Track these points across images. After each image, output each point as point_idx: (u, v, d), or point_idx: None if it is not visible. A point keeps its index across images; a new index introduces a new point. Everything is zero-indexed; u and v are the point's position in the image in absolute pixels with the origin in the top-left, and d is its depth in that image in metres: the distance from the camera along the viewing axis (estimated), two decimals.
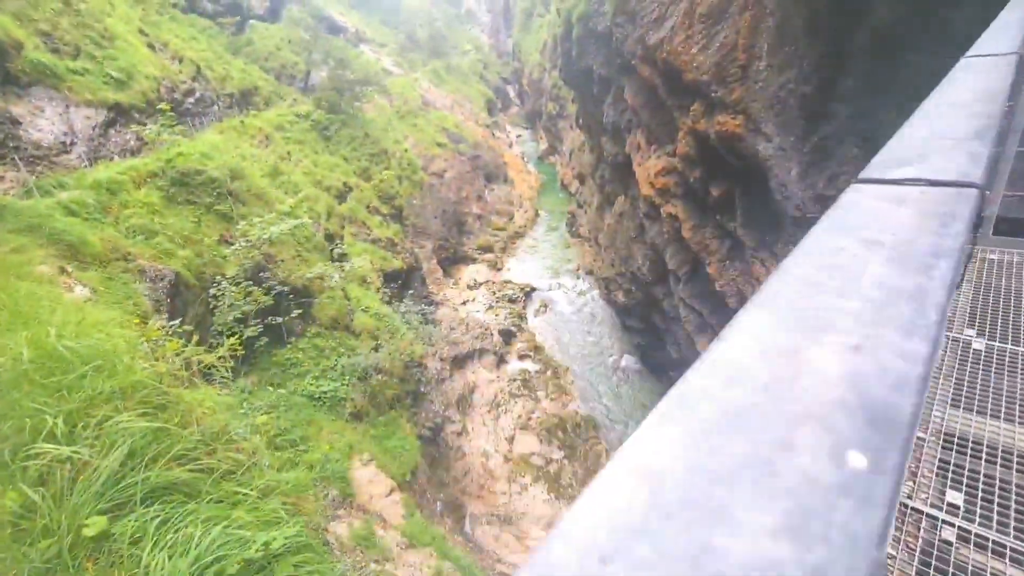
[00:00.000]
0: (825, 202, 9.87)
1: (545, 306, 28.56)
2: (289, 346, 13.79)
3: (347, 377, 13.60)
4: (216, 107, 25.07)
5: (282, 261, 14.13)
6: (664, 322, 20.65)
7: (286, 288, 13.77)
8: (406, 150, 32.77)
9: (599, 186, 28.16)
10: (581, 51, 21.41)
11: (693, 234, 15.51)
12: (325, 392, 12.90)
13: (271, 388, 12.30)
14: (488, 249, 33.87)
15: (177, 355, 5.33)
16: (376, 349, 15.19)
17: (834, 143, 9.45)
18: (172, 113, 17.10)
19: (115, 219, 11.48)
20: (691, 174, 14.52)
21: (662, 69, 13.91)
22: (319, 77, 32.83)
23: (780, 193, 10.64)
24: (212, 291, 11.74)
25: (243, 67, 29.04)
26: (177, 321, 8.43)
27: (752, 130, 10.85)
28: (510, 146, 53.65)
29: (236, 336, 9.82)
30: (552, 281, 30.57)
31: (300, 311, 13.91)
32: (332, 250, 17.76)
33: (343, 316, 15.36)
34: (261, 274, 13.35)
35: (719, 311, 15.50)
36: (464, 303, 28.47)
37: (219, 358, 6.52)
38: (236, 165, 15.29)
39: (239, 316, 11.94)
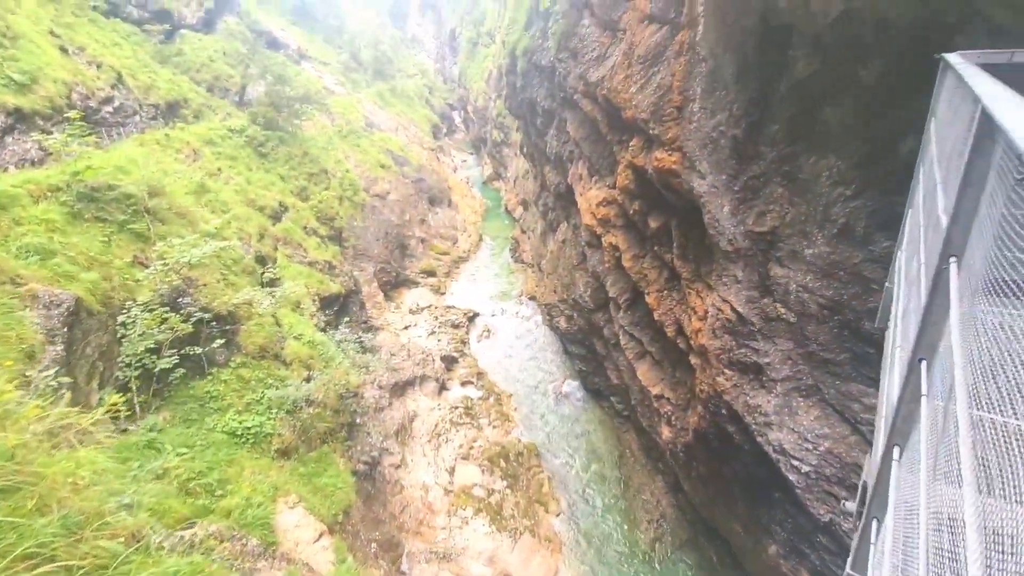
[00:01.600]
0: (755, 238, 10.40)
1: (488, 331, 28.32)
2: (210, 378, 12.68)
3: (275, 410, 12.66)
4: (138, 118, 23.37)
5: (205, 285, 13.09)
6: (605, 348, 20.95)
7: (208, 315, 12.72)
8: (347, 170, 31.95)
9: (542, 213, 28.59)
10: (525, 83, 21.88)
11: (633, 263, 15.92)
12: (249, 428, 11.91)
13: (187, 424, 11.20)
14: (431, 273, 33.36)
15: (40, 420, 4.26)
16: (308, 379, 14.30)
17: (761, 183, 10.01)
18: (84, 122, 15.68)
19: (3, 237, 10.20)
20: (631, 206, 14.97)
21: (603, 105, 14.38)
22: (256, 92, 31.54)
23: (713, 228, 11.11)
24: (121, 318, 10.61)
25: (171, 77, 27.39)
26: (52, 371, 7.25)
27: (687, 167, 11.34)
28: (455, 170, 53.76)
29: (140, 373, 8.86)
30: (496, 306, 30.45)
31: (224, 339, 12.88)
32: (263, 273, 16.73)
33: (272, 344, 14.40)
34: (180, 299, 12.27)
35: (658, 339, 15.89)
36: (406, 328, 27.70)
37: (96, 421, 5.65)
38: (156, 181, 14.17)
39: (152, 346, 10.85)
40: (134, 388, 10.67)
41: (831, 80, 8.51)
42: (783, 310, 10.16)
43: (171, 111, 25.63)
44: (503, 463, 19.63)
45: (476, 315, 29.43)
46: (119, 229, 12.68)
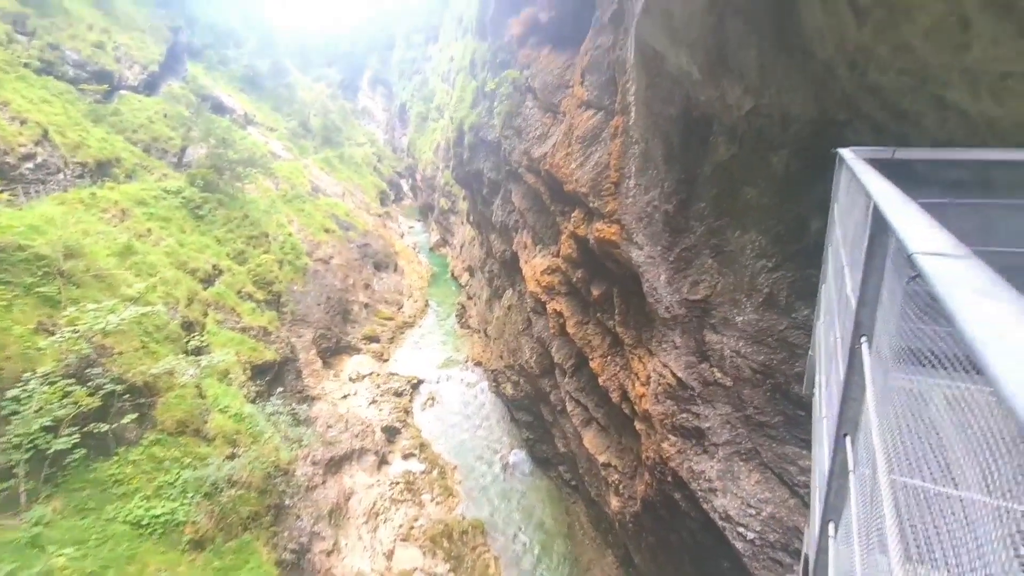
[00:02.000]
0: (690, 306, 10.92)
1: (433, 399, 27.41)
2: (116, 458, 11.35)
3: (190, 494, 11.38)
4: (63, 175, 22.14)
5: (120, 354, 12.01)
6: (552, 415, 20.71)
7: (122, 386, 11.58)
8: (290, 234, 31.31)
9: (488, 280, 28.92)
10: (472, 156, 22.80)
11: (577, 329, 16.19)
12: (158, 516, 10.58)
13: (82, 515, 9.81)
14: (374, 339, 32.39)
15: None
16: (232, 457, 13.09)
17: (693, 254, 10.67)
18: None
19: None
20: (574, 274, 15.45)
21: (546, 179, 15.14)
22: (196, 154, 30.94)
23: (652, 296, 11.60)
24: (12, 392, 9.43)
25: (104, 136, 26.45)
26: None
27: (626, 239, 11.96)
28: (402, 236, 53.97)
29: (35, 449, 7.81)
30: (441, 373, 29.73)
31: (137, 414, 11.69)
32: (188, 341, 15.61)
33: (193, 418, 13.19)
34: (89, 370, 11.14)
35: (604, 405, 15.93)
36: (345, 397, 26.33)
37: None
38: (74, 241, 13.24)
39: (49, 423, 9.64)
40: (21, 474, 9.32)
41: (748, 164, 9.43)
42: (720, 374, 10.53)
43: (101, 170, 24.51)
44: (446, 543, 18.38)
45: (420, 382, 28.54)
46: (25, 292, 11.58)
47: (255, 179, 31.87)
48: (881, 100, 7.23)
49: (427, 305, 39.38)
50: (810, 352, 4.91)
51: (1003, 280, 0.91)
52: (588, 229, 13.55)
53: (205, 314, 19.13)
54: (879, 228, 1.55)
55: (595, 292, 14.84)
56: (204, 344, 16.58)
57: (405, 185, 72.27)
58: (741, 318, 9.80)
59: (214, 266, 22.87)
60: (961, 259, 1.02)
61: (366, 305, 34.75)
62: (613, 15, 11.84)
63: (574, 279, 15.68)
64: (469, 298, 36.83)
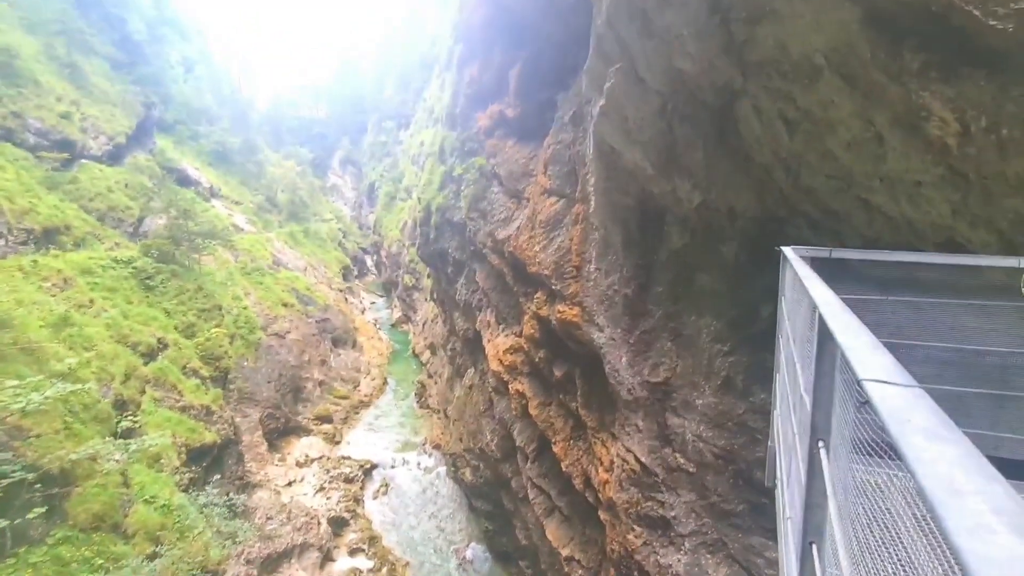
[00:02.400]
0: (651, 388, 10.98)
1: (387, 486, 25.67)
2: (13, 561, 9.87)
3: None
4: (3, 241, 21.11)
5: (37, 437, 10.86)
6: (513, 503, 19.65)
7: (33, 474, 10.36)
8: (245, 307, 30.30)
9: (450, 358, 28.44)
10: (438, 235, 23.28)
11: (539, 411, 15.88)
12: None
13: None
14: (327, 419, 30.68)
15: None
16: (153, 556, 11.63)
17: (653, 337, 10.91)
18: None
19: None
20: (537, 354, 15.42)
21: (509, 260, 15.51)
22: (155, 224, 30.32)
23: (614, 378, 11.64)
24: None
25: (56, 204, 25.70)
26: None
27: (587, 321, 12.18)
28: (363, 312, 53.15)
29: None
30: (396, 456, 28.12)
31: (46, 507, 10.38)
32: (119, 421, 14.35)
33: (113, 511, 11.80)
34: None
35: (567, 492, 15.30)
36: (289, 484, 24.33)
37: None
38: (2, 311, 12.35)
39: None
40: None
41: (700, 253, 9.99)
42: (683, 460, 10.40)
43: (47, 237, 23.55)
44: None
45: (373, 467, 26.83)
46: None
47: (214, 251, 31.25)
48: (815, 200, 7.93)
49: (386, 383, 38.05)
50: (769, 442, 4.97)
51: (947, 418, 0.97)
52: (551, 310, 13.76)
53: (142, 392, 17.79)
54: (825, 336, 1.64)
55: (557, 373, 14.77)
56: (137, 425, 15.25)
57: (370, 261, 72.42)
58: (701, 401, 9.88)
59: (159, 340, 21.64)
60: (908, 389, 1.08)
61: (321, 383, 33.24)
62: (573, 115, 12.88)
63: (537, 359, 15.63)
64: (430, 376, 35.91)
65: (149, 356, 20.45)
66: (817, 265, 3.00)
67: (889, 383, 1.10)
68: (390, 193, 62.38)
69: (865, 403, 1.11)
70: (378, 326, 50.49)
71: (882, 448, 1.28)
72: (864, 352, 1.28)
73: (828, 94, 6.50)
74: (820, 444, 1.66)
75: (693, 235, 9.99)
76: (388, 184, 64.14)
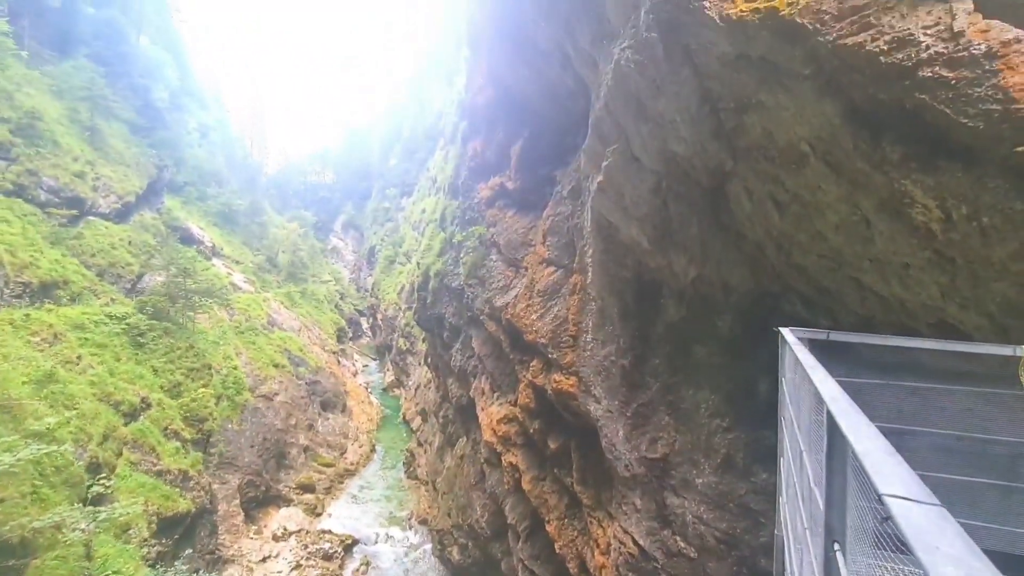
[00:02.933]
0: (649, 464, 10.62)
1: (367, 564, 24.03)
2: None
3: None
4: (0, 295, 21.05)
5: (0, 502, 10.27)
6: None
7: None
8: (235, 367, 29.78)
9: (442, 426, 27.65)
10: (435, 300, 23.40)
11: (533, 486, 15.23)
12: None
13: None
14: (309, 488, 29.25)
15: None
16: None
17: (650, 410, 10.70)
18: None
19: None
20: (531, 424, 15.03)
21: (506, 327, 15.51)
22: (153, 281, 30.44)
23: (611, 452, 11.28)
24: None
25: (58, 259, 25.91)
26: None
27: (584, 391, 11.99)
28: (355, 375, 52.24)
29: None
30: (380, 532, 26.54)
31: None
32: (91, 486, 13.64)
33: None
34: None
35: None
36: (264, 560, 22.76)
37: None
38: None
39: None
40: None
41: (697, 326, 10.04)
42: (683, 544, 9.87)
43: (44, 291, 23.52)
44: None
45: (355, 543, 25.25)
46: None
47: (210, 309, 31.19)
48: (807, 278, 8.09)
49: (373, 450, 36.69)
50: (776, 530, 4.75)
51: (973, 545, 0.96)
52: (547, 379, 13.58)
53: (119, 454, 17.05)
54: (836, 435, 1.63)
55: (552, 445, 14.33)
56: (109, 490, 14.48)
57: (365, 323, 72.16)
58: (701, 480, 9.54)
59: (143, 399, 21.05)
60: (931, 508, 1.07)
61: (306, 448, 32.01)
62: (572, 190, 13.41)
63: (531, 430, 15.21)
64: (420, 445, 34.68)
65: (131, 416, 19.80)
66: (815, 347, 3.02)
67: (912, 500, 1.08)
68: (390, 257, 63.34)
69: (887, 519, 1.09)
70: (369, 390, 49.47)
71: (903, 546, 1.24)
72: (881, 461, 1.27)
73: (815, 179, 6.82)
74: (836, 547, 1.59)
75: (689, 308, 10.09)
76: (388, 248, 65.28)
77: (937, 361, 2.97)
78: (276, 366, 34.26)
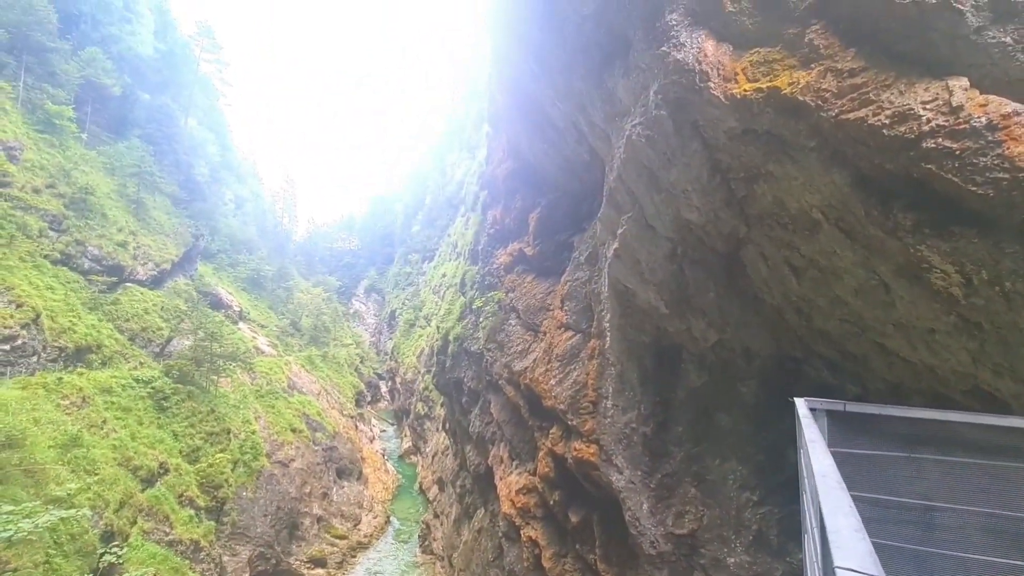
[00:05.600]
0: (675, 541, 10.02)
1: None
2: None
3: None
4: (36, 358, 21.81)
5: (14, 571, 10.13)
6: None
7: None
8: (254, 431, 29.65)
9: (459, 496, 26.67)
10: (454, 364, 23.36)
11: (554, 564, 14.38)
12: None
13: None
14: (320, 562, 28.04)
15: None
16: None
17: (675, 481, 10.25)
18: None
19: None
20: (551, 496, 14.44)
21: (525, 392, 15.32)
22: (181, 345, 31.23)
23: (635, 527, 10.71)
24: None
25: (94, 323, 26.95)
26: None
27: (605, 460, 11.58)
28: (372, 441, 51.35)
29: None
30: None
31: None
32: (103, 555, 13.39)
33: None
34: None
35: None
36: None
37: None
38: (17, 431, 12.35)
39: None
40: None
41: (719, 392, 9.80)
42: None
43: (78, 355, 24.29)
44: None
45: None
46: None
47: (233, 373, 31.59)
48: (830, 343, 7.95)
49: (388, 522, 35.32)
50: None
51: None
52: (566, 447, 13.19)
53: (133, 522, 16.80)
54: (819, 511, 1.62)
55: (574, 519, 13.66)
56: (120, 561, 14.16)
57: (384, 387, 71.83)
58: (732, 559, 8.94)
59: (161, 464, 20.99)
60: None
61: (319, 519, 31.01)
62: (589, 256, 13.66)
63: (551, 501, 14.58)
64: (436, 516, 33.30)
65: (148, 481, 19.68)
66: (834, 418, 2.97)
67: (859, 573, 1.09)
68: (410, 320, 64.00)
69: None
70: (386, 457, 48.41)
71: None
72: (847, 537, 1.28)
73: (829, 245, 6.88)
74: None
75: (711, 373, 9.90)
76: (408, 312, 66.11)
77: (972, 434, 2.87)
78: (294, 431, 34.01)
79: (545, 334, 15.42)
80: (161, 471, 20.85)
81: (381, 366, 74.88)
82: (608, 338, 12.03)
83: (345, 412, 49.87)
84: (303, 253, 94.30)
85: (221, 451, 25.45)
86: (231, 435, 27.08)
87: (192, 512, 21.09)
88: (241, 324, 46.56)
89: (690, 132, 7.76)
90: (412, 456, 48.81)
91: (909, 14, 5.38)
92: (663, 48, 7.47)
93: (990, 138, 5.07)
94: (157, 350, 31.04)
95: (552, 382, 13.76)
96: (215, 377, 29.00)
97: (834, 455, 2.86)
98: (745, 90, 6.71)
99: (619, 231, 10.17)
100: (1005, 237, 5.17)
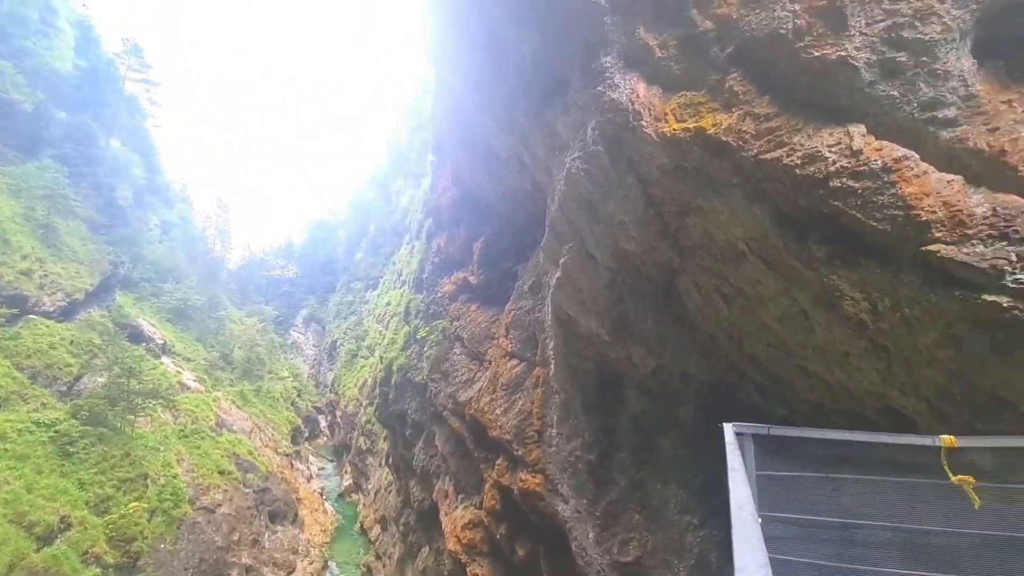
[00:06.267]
0: (621, 569, 10.01)
1: None
2: None
3: None
4: None
5: None
6: None
7: None
8: (175, 476, 27.19)
9: (403, 534, 25.54)
10: (398, 395, 22.69)
11: None
12: None
13: None
14: None
15: None
16: None
17: (619, 509, 10.31)
18: None
19: None
20: (497, 529, 14.11)
21: (470, 423, 15.06)
22: (93, 383, 28.43)
23: (581, 558, 10.62)
24: None
25: None
26: None
27: (551, 490, 11.50)
28: (309, 480, 48.46)
29: None
30: None
31: None
32: None
33: None
34: None
35: None
36: None
37: None
38: None
39: None
40: None
41: (659, 416, 10.05)
42: None
43: None
44: None
45: None
46: None
47: (153, 412, 29.05)
48: (759, 367, 8.39)
49: (325, 567, 33.13)
50: None
51: None
52: (512, 478, 13.01)
53: None
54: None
55: (520, 552, 13.38)
56: None
57: (323, 421, 68.40)
58: None
59: (62, 518, 18.75)
60: None
61: (249, 569, 28.58)
62: (533, 284, 13.84)
63: (497, 535, 14.24)
64: (378, 558, 31.62)
65: (46, 539, 17.50)
66: (759, 442, 3.11)
67: None
68: (352, 351, 61.83)
69: None
70: (324, 496, 45.77)
71: None
72: (752, 572, 1.32)
73: (754, 275, 7.34)
74: None
75: (651, 399, 10.16)
76: (351, 342, 63.91)
77: (881, 453, 3.08)
78: (222, 473, 31.51)
79: (490, 363, 15.33)
80: (62, 526, 18.62)
81: (320, 399, 71.45)
82: (552, 366, 12.12)
83: (280, 450, 46.92)
84: (237, 281, 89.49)
85: (136, 499, 23.11)
86: (149, 481, 24.70)
87: (99, 571, 18.87)
88: (164, 358, 43.21)
89: (626, 167, 8.13)
90: (353, 494, 46.42)
91: (813, 68, 5.96)
92: (599, 88, 7.85)
93: (886, 179, 5.64)
94: (64, 389, 28.11)
95: (497, 412, 13.62)
96: (132, 417, 26.56)
97: (760, 478, 2.98)
98: (674, 129, 7.14)
99: (561, 260, 10.39)
100: (902, 268, 5.72)
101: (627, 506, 10.11)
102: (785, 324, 7.32)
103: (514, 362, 13.94)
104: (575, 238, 10.02)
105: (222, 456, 33.19)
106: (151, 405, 28.14)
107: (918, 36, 5.62)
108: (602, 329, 10.03)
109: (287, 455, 47.97)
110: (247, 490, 32.79)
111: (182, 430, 32.43)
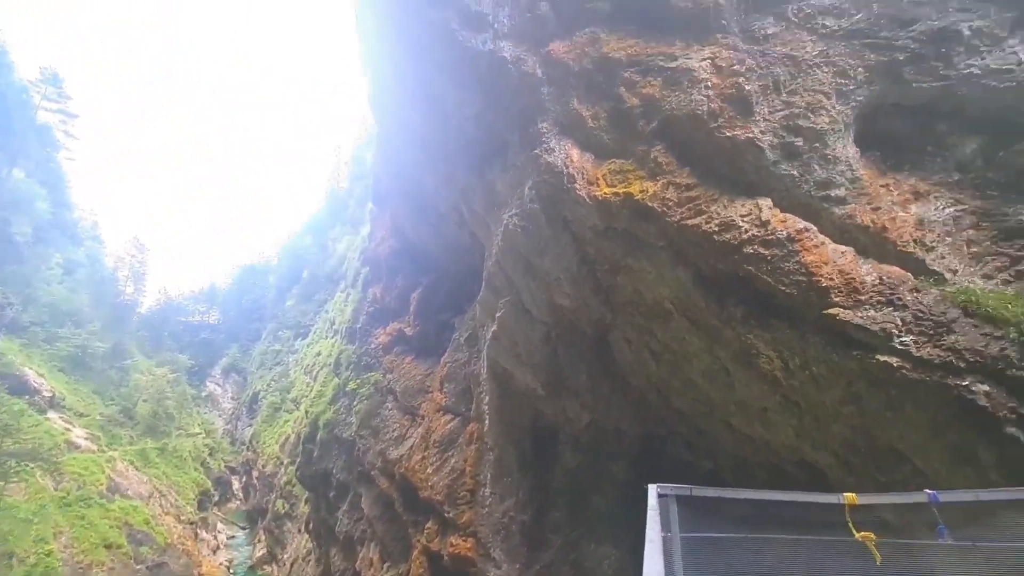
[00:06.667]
0: None
1: None
2: None
3: None
4: None
5: None
6: None
7: None
8: (50, 553, 23.48)
9: None
10: (323, 453, 21.24)
11: None
12: None
13: None
14: None
15: None
16: None
17: (553, 572, 9.96)
18: None
19: None
20: None
21: (400, 483, 14.27)
22: None
23: None
24: None
25: None
26: None
27: (483, 555, 10.95)
28: (216, 551, 43.37)
29: None
30: None
31: None
32: None
33: None
34: None
35: None
36: None
37: None
38: None
39: None
40: None
41: (593, 472, 10.01)
42: None
43: None
44: None
45: None
46: None
47: (30, 476, 25.26)
48: (686, 421, 8.65)
49: None
50: None
51: None
52: (442, 543, 12.29)
53: None
54: None
55: None
56: None
57: (237, 483, 62.28)
58: None
59: None
60: None
61: None
62: (469, 337, 13.72)
63: None
64: None
65: None
66: (682, 503, 3.16)
67: None
68: (275, 404, 57.70)
69: None
70: (232, 570, 40.98)
71: None
72: None
73: (680, 332, 7.69)
74: None
75: (585, 454, 10.14)
76: (274, 395, 59.74)
77: (794, 512, 3.21)
78: (108, 547, 27.56)
79: (424, 418, 14.78)
80: None
81: (236, 458, 65.36)
82: (487, 421, 11.87)
83: (184, 517, 41.93)
84: (149, 327, 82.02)
85: None
86: (15, 560, 21.13)
87: None
88: (52, 413, 38.24)
89: (561, 225, 8.44)
90: (266, 565, 41.88)
91: (726, 146, 6.60)
92: (536, 151, 8.24)
93: (790, 248, 6.21)
94: None
95: (429, 470, 13.02)
96: (1, 484, 22.95)
97: (685, 540, 3.00)
98: (605, 193, 7.56)
99: (498, 314, 10.43)
100: (808, 329, 6.22)
101: (561, 569, 9.80)
102: (709, 380, 7.65)
103: (448, 417, 13.52)
104: (512, 292, 10.13)
105: (111, 527, 29.17)
106: (28, 468, 24.53)
107: (811, 125, 6.41)
108: (537, 383, 10.02)
109: (191, 523, 42.89)
110: (139, 566, 28.79)
111: (64, 497, 28.37)
